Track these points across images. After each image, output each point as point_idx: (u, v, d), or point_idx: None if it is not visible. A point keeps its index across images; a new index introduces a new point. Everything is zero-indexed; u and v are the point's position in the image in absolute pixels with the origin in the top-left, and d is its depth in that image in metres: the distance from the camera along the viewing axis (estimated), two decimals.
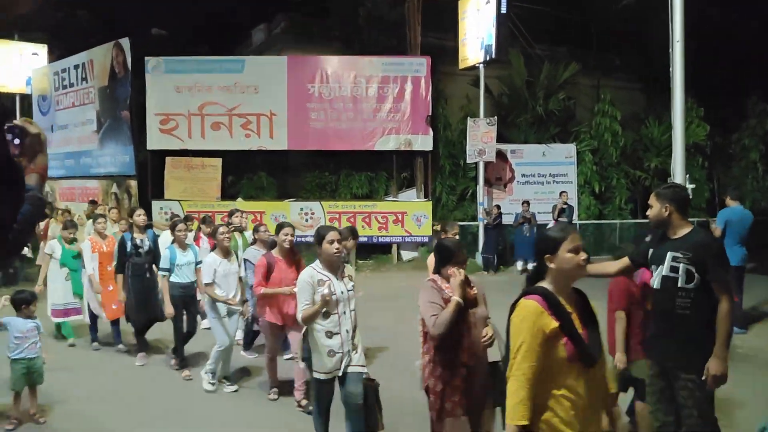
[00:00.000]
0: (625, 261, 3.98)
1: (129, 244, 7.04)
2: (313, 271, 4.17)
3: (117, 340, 7.62)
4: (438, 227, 6.58)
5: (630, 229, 16.85)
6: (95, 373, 6.80)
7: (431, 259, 5.25)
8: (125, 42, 15.06)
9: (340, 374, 4.13)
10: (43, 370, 5.20)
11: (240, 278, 6.35)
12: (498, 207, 14.56)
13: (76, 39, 18.50)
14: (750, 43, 17.70)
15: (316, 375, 4.15)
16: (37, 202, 1.83)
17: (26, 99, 18.83)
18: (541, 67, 16.94)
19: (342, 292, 4.17)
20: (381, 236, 14.91)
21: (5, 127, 1.83)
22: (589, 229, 16.15)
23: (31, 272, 12.99)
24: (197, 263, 6.73)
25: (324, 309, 4.05)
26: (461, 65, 15.57)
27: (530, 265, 14.26)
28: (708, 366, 3.45)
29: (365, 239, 14.44)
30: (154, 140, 15.21)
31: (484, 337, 3.62)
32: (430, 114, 15.23)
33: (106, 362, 7.20)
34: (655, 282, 3.74)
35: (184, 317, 6.76)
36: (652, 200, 3.77)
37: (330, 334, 4.09)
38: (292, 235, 5.60)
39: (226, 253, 6.15)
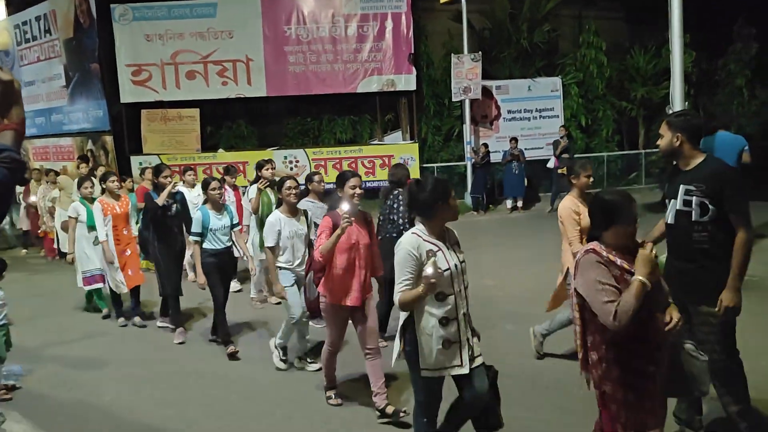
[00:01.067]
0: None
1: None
2: (418, 239, 3.15)
3: (135, 311, 6.85)
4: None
5: (617, 161, 16.77)
6: (129, 356, 5.90)
7: (568, 212, 4.72)
8: None
9: (466, 371, 3.21)
10: (9, 341, 4.88)
11: (310, 241, 5.10)
12: (486, 145, 14.35)
13: None
14: None
15: (424, 374, 3.20)
16: (15, 164, 1.59)
17: None
18: None
19: (456, 266, 3.17)
20: (368, 181, 14.64)
21: None
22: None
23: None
24: (233, 226, 5.89)
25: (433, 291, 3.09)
26: None
27: (519, 203, 14.21)
28: (721, 297, 3.36)
29: None
30: (128, 93, 14.62)
31: (668, 322, 2.73)
32: (412, 52, 14.77)
33: (136, 340, 6.44)
34: (669, 217, 3.59)
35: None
36: (663, 129, 3.57)
37: (445, 321, 3.14)
38: (361, 188, 4.41)
39: (293, 212, 5.09)
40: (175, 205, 6.42)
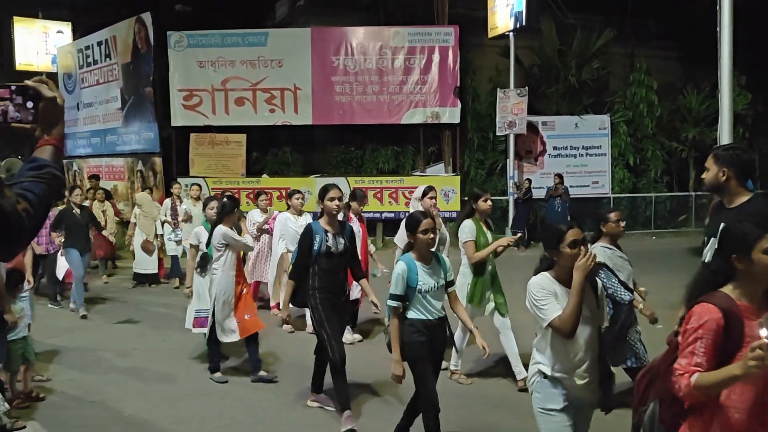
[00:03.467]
0: None
1: (318, 238, 4.62)
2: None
3: (255, 365, 5.54)
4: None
5: (665, 203, 16.30)
6: (159, 370, 5.83)
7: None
8: (147, 17, 14.85)
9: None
10: (34, 347, 5.05)
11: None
12: (528, 180, 14.16)
13: (101, 16, 18.39)
14: None
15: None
16: (54, 180, 1.58)
17: (52, 78, 18.81)
18: (573, 35, 16.31)
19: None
20: (408, 212, 14.58)
21: (13, 88, 1.58)
22: (623, 202, 15.65)
23: None
24: (448, 284, 3.93)
25: None
26: (490, 34, 15.08)
27: None
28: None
29: (392, 215, 14.17)
30: (178, 117, 15.06)
31: None
32: (458, 85, 14.78)
33: (166, 356, 6.27)
34: (707, 256, 3.39)
35: None
36: (709, 162, 3.39)
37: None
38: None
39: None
40: (342, 240, 4.72)
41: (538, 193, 14.38)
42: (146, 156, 15.40)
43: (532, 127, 15.16)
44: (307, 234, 4.64)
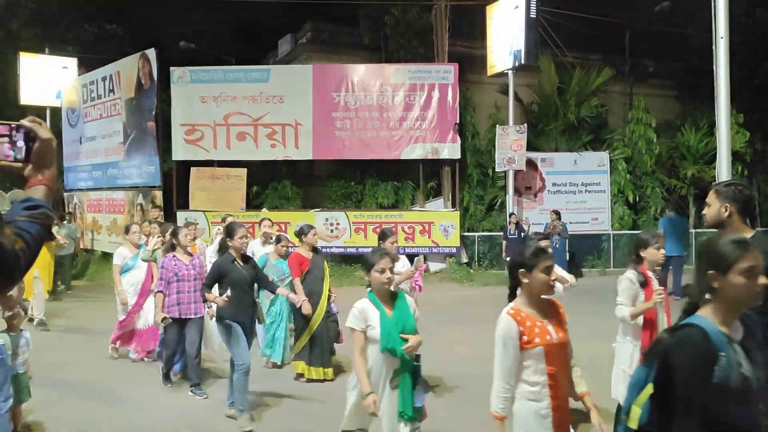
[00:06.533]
0: None
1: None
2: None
3: None
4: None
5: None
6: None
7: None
8: (151, 53, 15.09)
9: None
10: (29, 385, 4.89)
11: None
12: (513, 215, 13.96)
13: (106, 52, 18.69)
14: None
15: None
16: (47, 221, 1.63)
17: (56, 113, 18.99)
18: (572, 73, 16.51)
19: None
20: (408, 246, 14.54)
21: (13, 126, 1.60)
22: (623, 239, 15.60)
23: None
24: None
25: None
26: (489, 72, 15.27)
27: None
28: None
29: None
30: (180, 151, 15.15)
31: None
32: (457, 122, 14.90)
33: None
34: None
35: None
36: (711, 198, 3.37)
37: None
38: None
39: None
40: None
41: (537, 230, 14.32)
42: (147, 189, 15.45)
43: (531, 164, 15.23)
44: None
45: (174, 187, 15.19)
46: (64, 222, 13.87)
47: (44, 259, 9.74)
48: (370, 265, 3.60)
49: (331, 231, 14.36)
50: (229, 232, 5.53)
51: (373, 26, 16.62)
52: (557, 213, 13.86)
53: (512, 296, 3.05)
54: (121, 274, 7.42)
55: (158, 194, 15.16)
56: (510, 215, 14.05)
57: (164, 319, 6.02)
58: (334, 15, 17.72)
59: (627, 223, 15.98)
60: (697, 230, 15.72)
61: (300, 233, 6.63)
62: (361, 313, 3.51)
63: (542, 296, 3.00)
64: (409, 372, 3.52)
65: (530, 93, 17.06)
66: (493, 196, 16.18)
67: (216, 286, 5.45)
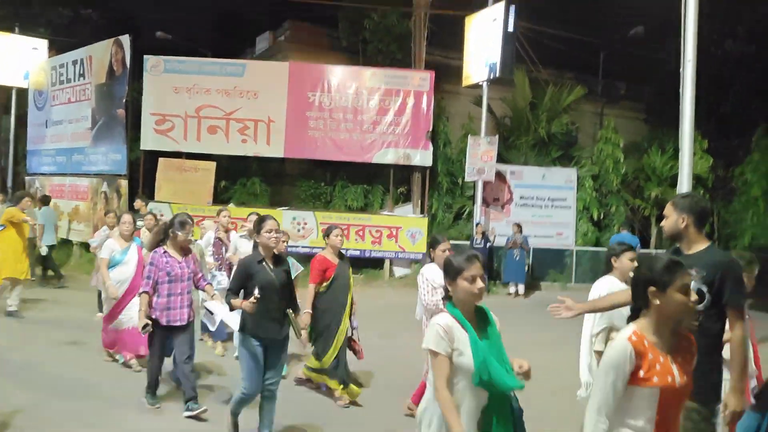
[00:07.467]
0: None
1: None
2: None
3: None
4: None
5: None
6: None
7: None
8: (125, 39, 14.83)
9: None
10: None
11: None
12: (484, 230, 14.10)
13: (79, 36, 18.31)
14: (759, 74, 17.54)
15: None
16: None
17: (23, 94, 18.55)
18: (545, 90, 16.77)
19: None
20: (374, 250, 14.55)
21: None
22: (586, 255, 15.84)
23: None
24: None
25: None
26: (464, 83, 15.41)
27: (521, 290, 13.92)
28: (726, 401, 3.15)
29: (357, 253, 14.12)
30: (149, 140, 14.91)
31: None
32: (430, 129, 14.99)
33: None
34: None
35: None
36: (668, 210, 3.47)
37: None
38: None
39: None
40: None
41: (502, 241, 14.46)
42: (112, 177, 15.16)
43: (500, 176, 15.38)
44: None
45: (141, 176, 14.92)
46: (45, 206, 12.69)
47: (8, 245, 8.84)
48: (456, 272, 2.80)
49: (298, 230, 14.27)
50: (258, 225, 4.58)
51: (352, 29, 16.61)
52: (519, 226, 14.07)
53: (633, 317, 2.55)
54: (108, 268, 6.53)
55: (124, 183, 14.88)
56: (476, 225, 14.17)
57: (146, 326, 5.05)
58: (314, 15, 17.69)
59: (590, 240, 16.24)
60: (657, 250, 16.06)
61: (327, 232, 5.85)
62: (447, 333, 2.73)
63: (676, 321, 2.49)
64: (507, 415, 2.79)
65: (503, 106, 17.28)
66: (461, 205, 16.31)
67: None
